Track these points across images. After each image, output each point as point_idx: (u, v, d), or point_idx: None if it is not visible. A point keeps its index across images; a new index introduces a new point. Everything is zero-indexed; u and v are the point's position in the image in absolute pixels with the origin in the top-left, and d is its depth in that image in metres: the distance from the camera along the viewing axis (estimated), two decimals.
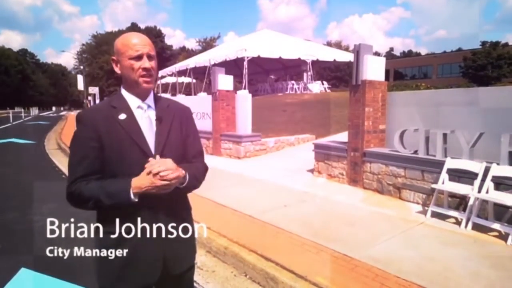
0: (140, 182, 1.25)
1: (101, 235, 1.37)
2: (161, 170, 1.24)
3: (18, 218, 4.43)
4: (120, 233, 1.33)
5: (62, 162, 8.45)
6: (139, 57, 1.32)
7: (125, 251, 1.33)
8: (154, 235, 1.35)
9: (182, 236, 1.44)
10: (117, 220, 1.33)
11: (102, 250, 1.36)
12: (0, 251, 3.47)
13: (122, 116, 1.34)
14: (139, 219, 1.33)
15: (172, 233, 1.39)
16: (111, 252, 1.34)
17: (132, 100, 1.38)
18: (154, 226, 1.35)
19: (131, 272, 1.34)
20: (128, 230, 1.33)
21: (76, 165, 1.32)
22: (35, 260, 3.21)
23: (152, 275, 1.37)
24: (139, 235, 1.33)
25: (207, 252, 3.48)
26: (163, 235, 1.37)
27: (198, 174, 1.44)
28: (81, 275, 2.84)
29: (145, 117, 1.39)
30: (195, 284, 2.86)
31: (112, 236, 1.34)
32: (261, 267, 2.94)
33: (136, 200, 1.26)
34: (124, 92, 1.40)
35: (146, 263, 1.35)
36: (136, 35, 1.37)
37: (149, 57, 1.34)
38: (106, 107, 1.38)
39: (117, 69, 1.38)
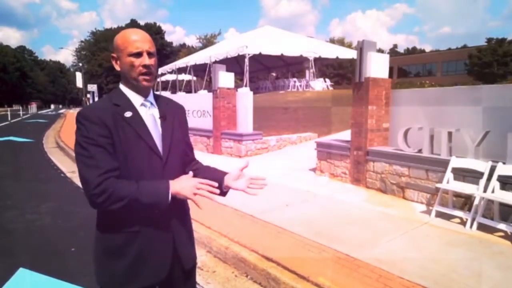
0: (180, 186, 1.27)
1: (108, 234, 1.34)
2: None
3: (16, 217, 4.40)
4: (128, 232, 1.31)
5: (61, 161, 8.43)
6: (138, 54, 1.30)
7: (133, 250, 1.31)
8: (163, 233, 1.35)
9: (187, 233, 1.48)
10: (124, 220, 1.30)
11: (108, 250, 1.33)
12: None
13: (128, 114, 1.32)
14: (147, 218, 1.31)
15: (180, 230, 1.41)
16: (118, 252, 1.31)
17: (134, 98, 1.37)
18: (162, 224, 1.35)
19: (139, 271, 1.33)
20: (136, 230, 1.31)
21: (97, 164, 1.21)
22: (34, 260, 3.18)
23: (161, 272, 1.36)
24: (147, 233, 1.32)
25: (207, 252, 3.45)
26: (171, 233, 1.37)
27: None
28: (80, 275, 2.81)
29: (149, 114, 1.38)
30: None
31: (120, 236, 1.31)
32: (263, 267, 2.90)
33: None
34: (124, 88, 1.37)
35: (155, 260, 1.35)
36: (135, 32, 1.34)
37: (149, 54, 1.32)
38: (109, 104, 1.33)
39: (117, 67, 1.35)
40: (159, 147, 1.33)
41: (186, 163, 1.50)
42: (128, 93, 1.36)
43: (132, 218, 1.29)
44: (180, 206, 1.41)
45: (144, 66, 1.30)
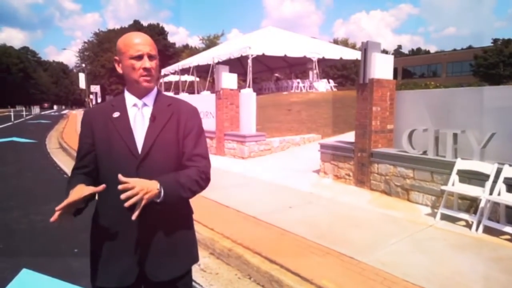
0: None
1: (91, 229, 1.40)
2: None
3: (19, 218, 4.41)
4: (101, 227, 1.35)
5: (63, 162, 8.45)
6: (139, 57, 1.32)
7: (104, 248, 1.34)
8: (128, 238, 1.32)
9: (162, 245, 1.36)
10: (105, 216, 1.36)
11: (91, 243, 1.40)
12: (1, 252, 3.45)
13: (116, 114, 1.37)
14: (116, 216, 1.30)
15: (152, 241, 1.33)
16: (95, 245, 1.37)
17: (129, 99, 1.40)
18: (131, 229, 1.30)
19: (106, 270, 1.34)
20: (106, 226, 1.34)
21: (76, 160, 1.43)
22: (37, 261, 3.18)
23: (127, 278, 1.33)
24: (115, 233, 1.33)
25: (210, 254, 3.43)
26: (145, 239, 1.33)
27: (187, 183, 1.31)
28: (83, 276, 2.80)
29: (139, 115, 1.38)
30: (198, 287, 2.81)
31: (96, 230, 1.38)
32: (266, 269, 2.89)
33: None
34: (126, 92, 1.42)
35: (122, 264, 1.33)
36: (137, 35, 1.36)
37: (150, 57, 1.34)
38: (107, 105, 1.42)
39: (119, 69, 1.39)
40: (139, 148, 1.32)
41: (179, 167, 1.37)
42: (126, 95, 1.41)
43: (105, 212, 1.35)
44: (169, 219, 1.36)
45: (145, 69, 1.33)
